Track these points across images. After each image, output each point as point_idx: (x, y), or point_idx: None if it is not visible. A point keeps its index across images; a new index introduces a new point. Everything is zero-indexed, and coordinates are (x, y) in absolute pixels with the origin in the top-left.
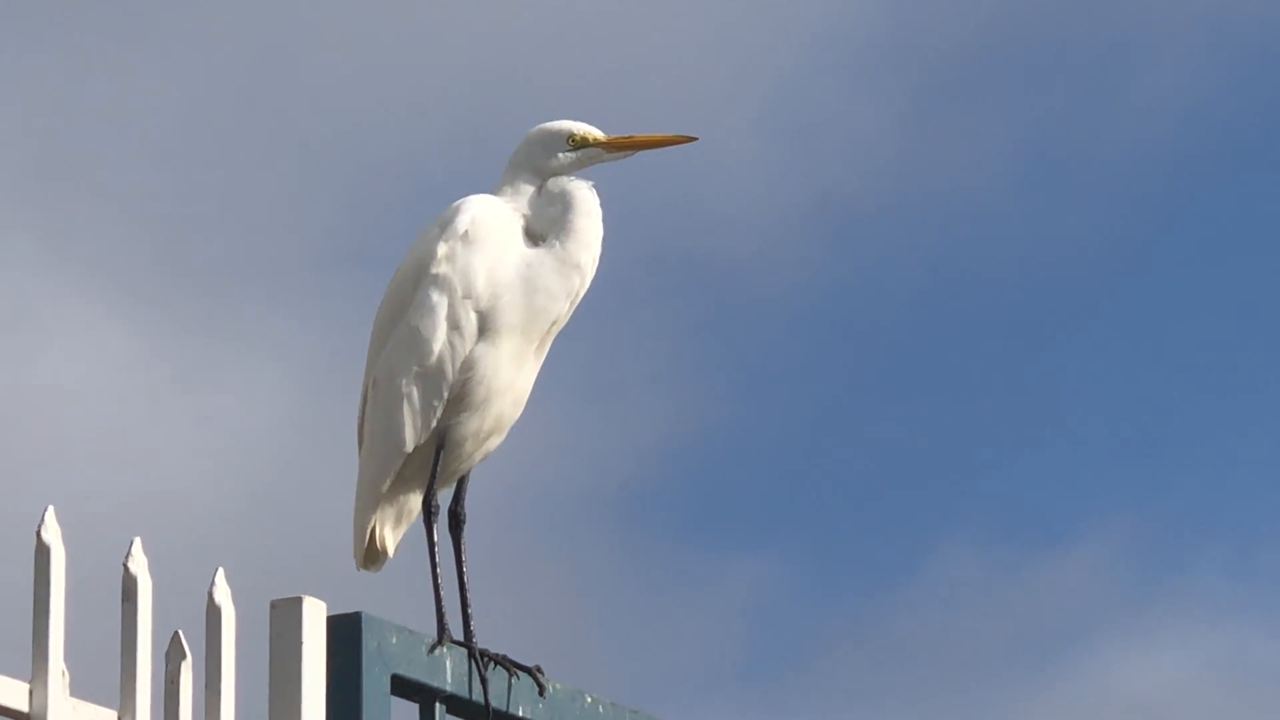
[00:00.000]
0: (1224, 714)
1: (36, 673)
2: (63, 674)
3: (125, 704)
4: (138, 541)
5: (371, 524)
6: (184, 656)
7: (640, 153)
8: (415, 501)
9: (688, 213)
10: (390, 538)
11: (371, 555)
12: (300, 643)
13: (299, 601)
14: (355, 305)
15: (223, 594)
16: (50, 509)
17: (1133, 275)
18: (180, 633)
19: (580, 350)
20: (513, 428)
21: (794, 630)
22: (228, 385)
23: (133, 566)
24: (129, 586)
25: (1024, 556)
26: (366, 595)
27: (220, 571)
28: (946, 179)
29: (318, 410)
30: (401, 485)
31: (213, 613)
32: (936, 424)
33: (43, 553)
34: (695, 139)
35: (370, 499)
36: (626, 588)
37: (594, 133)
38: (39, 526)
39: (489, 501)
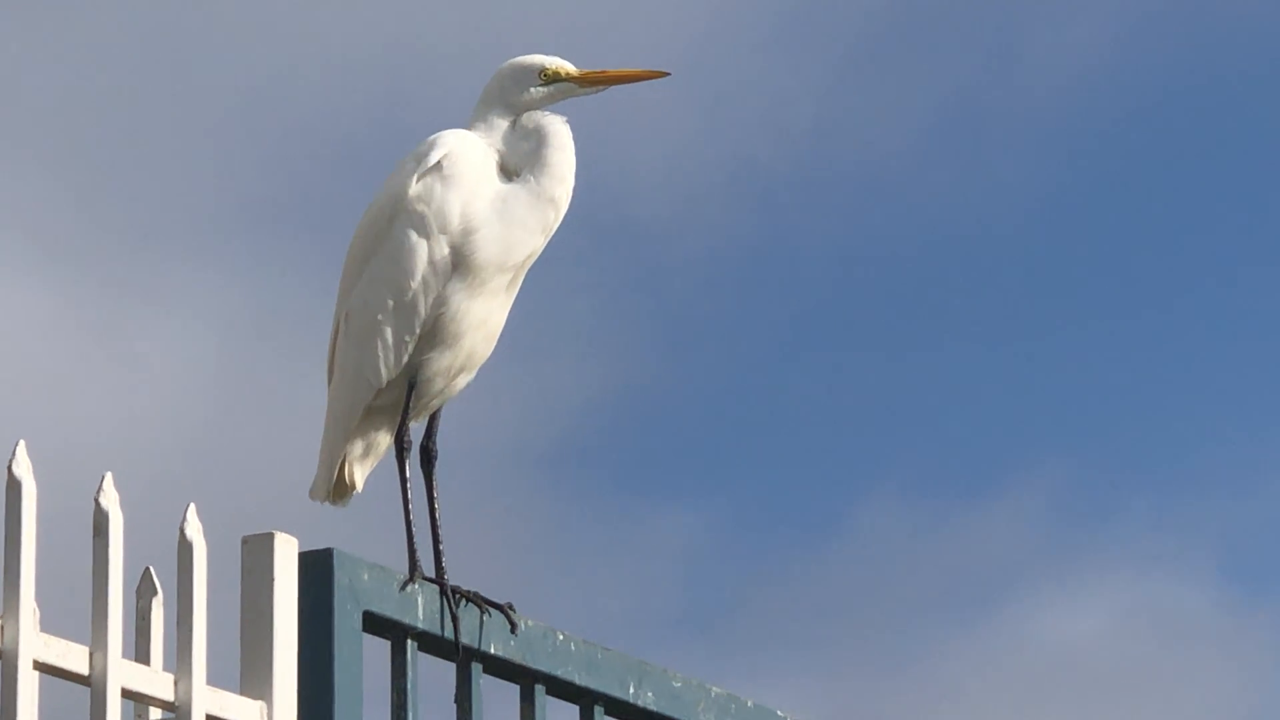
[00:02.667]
0: (1144, 662)
1: (8, 608)
2: (33, 610)
3: (96, 639)
4: (109, 476)
5: (340, 459)
6: (155, 592)
7: (612, 87)
8: (384, 437)
9: (613, 173)
10: (359, 473)
11: (339, 490)
12: (272, 579)
13: (270, 537)
14: (277, 263)
15: (194, 529)
16: (21, 443)
17: (1052, 230)
18: (151, 568)
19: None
20: (483, 365)
21: (726, 578)
22: (147, 339)
23: (104, 501)
24: (100, 522)
25: (951, 507)
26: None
27: (192, 507)
28: (864, 144)
29: (239, 366)
30: (371, 421)
31: (184, 548)
32: (863, 377)
33: (14, 488)
34: (668, 74)
35: (340, 433)
36: (560, 539)
37: (566, 67)
38: (10, 461)
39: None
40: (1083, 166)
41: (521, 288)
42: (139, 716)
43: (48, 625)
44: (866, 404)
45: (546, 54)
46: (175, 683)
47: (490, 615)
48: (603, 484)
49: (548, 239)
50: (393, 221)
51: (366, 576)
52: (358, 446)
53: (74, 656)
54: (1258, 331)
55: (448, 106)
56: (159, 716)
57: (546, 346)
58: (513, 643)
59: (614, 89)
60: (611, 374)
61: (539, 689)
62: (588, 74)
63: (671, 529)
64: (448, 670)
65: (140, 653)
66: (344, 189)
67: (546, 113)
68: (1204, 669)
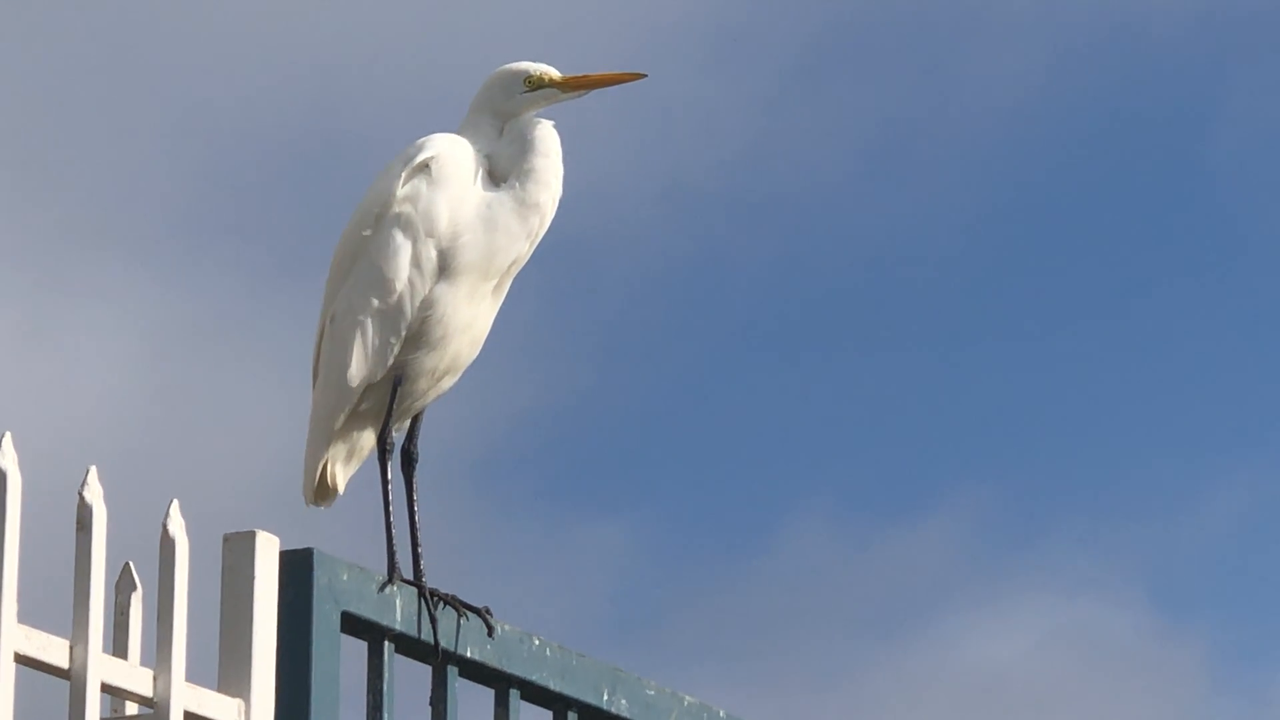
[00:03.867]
0: (1069, 684)
1: None
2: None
3: (77, 633)
4: (93, 471)
5: (323, 460)
6: (134, 588)
7: (594, 90)
8: (367, 439)
9: None
10: (341, 475)
11: (322, 492)
12: (253, 578)
13: (252, 535)
14: (213, 267)
15: (177, 525)
16: (7, 435)
17: (982, 253)
18: (130, 564)
19: None
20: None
21: (654, 591)
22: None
23: (88, 495)
24: (83, 516)
25: (879, 526)
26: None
27: (175, 503)
28: (799, 165)
29: (172, 369)
30: (354, 422)
31: (166, 544)
32: (794, 395)
33: None
34: (645, 75)
35: (323, 435)
36: (489, 548)
37: (550, 72)
38: None
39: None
40: (1014, 190)
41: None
42: (115, 711)
43: (24, 617)
44: (797, 421)
45: (532, 60)
46: (154, 678)
47: (468, 618)
48: (534, 494)
49: (534, 245)
50: (379, 223)
51: (346, 577)
52: (340, 449)
53: (54, 650)
54: (1186, 355)
55: (384, 117)
56: (135, 711)
57: (479, 357)
58: (489, 647)
59: (596, 92)
60: (544, 386)
61: (513, 694)
62: (569, 79)
63: (601, 541)
64: (423, 672)
65: (118, 647)
66: (280, 196)
67: (535, 118)
68: (1130, 693)
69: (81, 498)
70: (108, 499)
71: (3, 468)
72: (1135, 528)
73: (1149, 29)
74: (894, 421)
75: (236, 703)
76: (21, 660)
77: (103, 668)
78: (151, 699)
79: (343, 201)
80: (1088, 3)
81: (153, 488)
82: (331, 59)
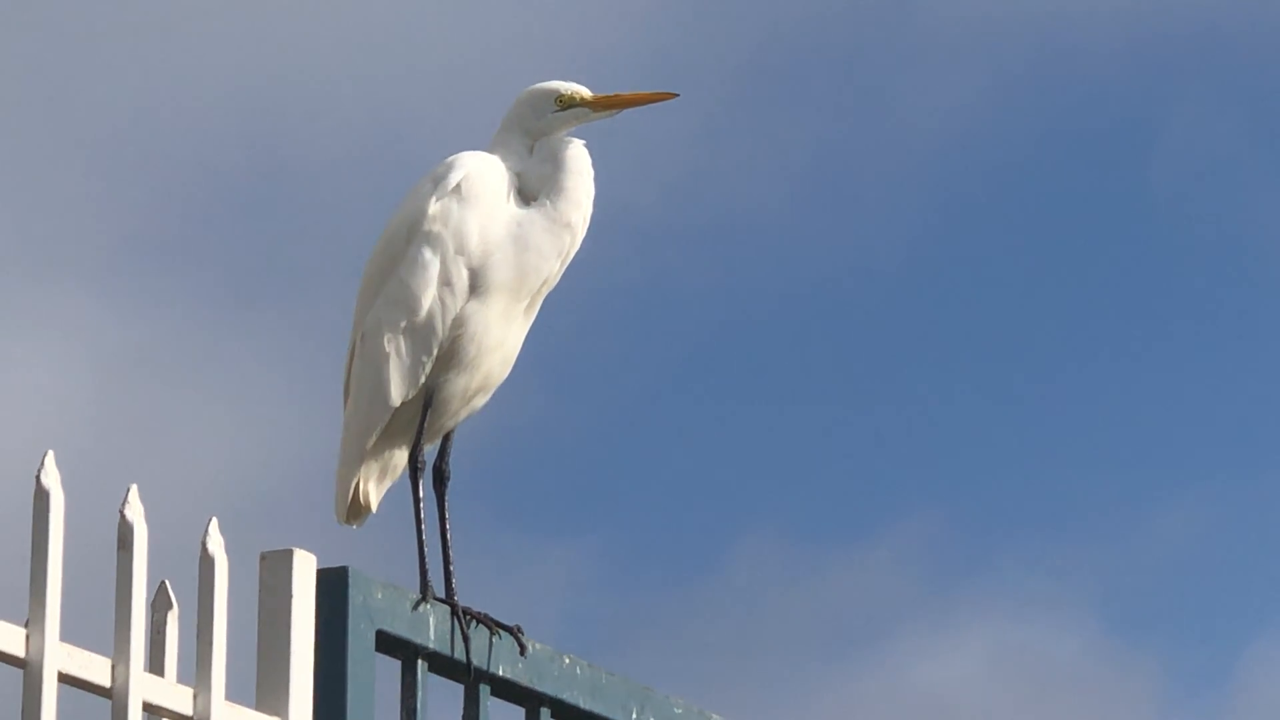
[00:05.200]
0: (1017, 706)
1: (34, 618)
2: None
3: (119, 651)
4: (134, 489)
5: (356, 479)
6: (170, 606)
7: (625, 110)
8: (399, 457)
9: None
10: (374, 493)
11: (354, 510)
12: (290, 596)
13: (290, 554)
14: (159, 295)
15: (216, 544)
16: (50, 454)
17: (923, 279)
18: (167, 582)
19: None
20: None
21: (604, 615)
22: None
23: (129, 514)
24: (124, 534)
25: (828, 552)
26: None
27: (214, 521)
28: (738, 192)
29: (123, 399)
30: (386, 441)
31: (206, 563)
32: (742, 421)
33: (41, 497)
34: (676, 95)
35: (355, 453)
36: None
37: (582, 92)
38: (39, 471)
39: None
40: (955, 214)
41: None
42: None
43: (66, 635)
44: (746, 447)
45: (564, 79)
46: (194, 697)
47: (500, 637)
48: (484, 519)
49: (565, 265)
50: (410, 242)
51: (380, 595)
52: (373, 467)
53: (96, 668)
54: (1131, 376)
55: (336, 145)
56: None
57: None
58: (520, 665)
59: (626, 112)
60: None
61: (544, 712)
62: (600, 98)
63: (553, 566)
64: (455, 691)
65: (154, 665)
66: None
67: (566, 138)
68: (1080, 716)
69: (123, 516)
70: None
71: (46, 486)
72: (1085, 549)
73: (1087, 52)
74: (843, 447)
75: None
76: (65, 679)
77: (144, 686)
78: (191, 717)
79: (294, 228)
80: (1025, 27)
81: (104, 511)
82: (285, 86)
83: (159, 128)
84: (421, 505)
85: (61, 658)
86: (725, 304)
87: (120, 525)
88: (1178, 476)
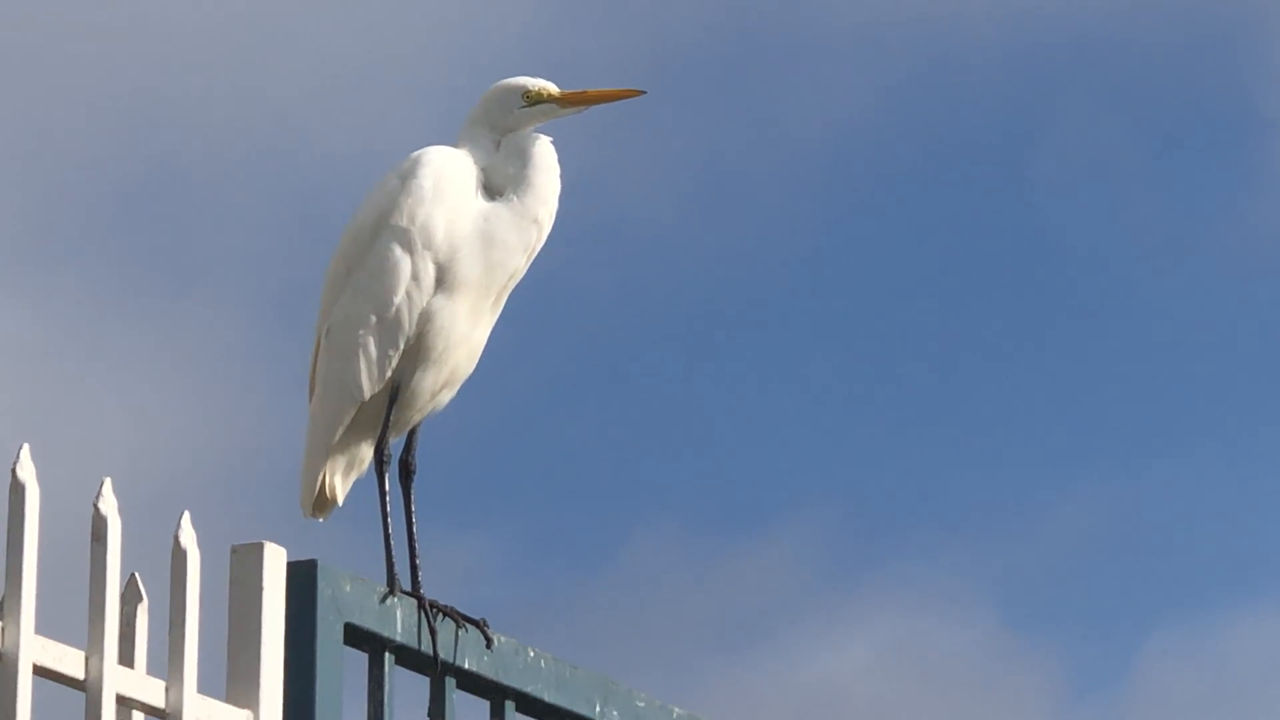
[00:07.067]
0: (906, 696)
1: (9, 612)
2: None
3: (93, 644)
4: (108, 482)
5: (322, 473)
6: (140, 599)
7: (592, 107)
8: (366, 451)
9: None
10: (340, 486)
11: (320, 504)
12: (261, 589)
13: (260, 547)
14: (66, 291)
15: (188, 538)
16: (25, 446)
17: (816, 278)
18: (137, 575)
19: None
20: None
21: (506, 604)
22: None
23: (103, 507)
24: (99, 527)
25: (724, 545)
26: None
27: (186, 515)
28: (629, 196)
29: (21, 391)
30: (352, 434)
31: (178, 556)
32: (638, 418)
33: (17, 491)
34: (643, 92)
35: (321, 447)
36: (343, 562)
37: (549, 88)
38: (14, 464)
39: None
40: (846, 216)
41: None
42: None
43: (41, 628)
44: (644, 441)
45: (531, 76)
46: (166, 690)
47: (466, 630)
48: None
49: (530, 259)
50: (376, 237)
51: (349, 588)
52: (339, 461)
53: (70, 661)
54: (1021, 372)
55: (232, 139)
56: None
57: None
58: (486, 658)
59: (595, 108)
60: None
61: (509, 705)
62: (568, 94)
63: (451, 557)
64: (422, 684)
65: (124, 658)
66: (125, 218)
67: (532, 133)
68: (975, 707)
69: (97, 509)
70: None
71: (21, 480)
72: (983, 544)
73: (970, 59)
74: (740, 440)
75: (245, 714)
76: (40, 672)
77: (118, 679)
78: (164, 710)
79: (191, 223)
80: (910, 33)
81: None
82: (179, 80)
83: (57, 125)
84: (388, 499)
85: (36, 650)
86: (623, 301)
87: (94, 518)
88: (1072, 472)
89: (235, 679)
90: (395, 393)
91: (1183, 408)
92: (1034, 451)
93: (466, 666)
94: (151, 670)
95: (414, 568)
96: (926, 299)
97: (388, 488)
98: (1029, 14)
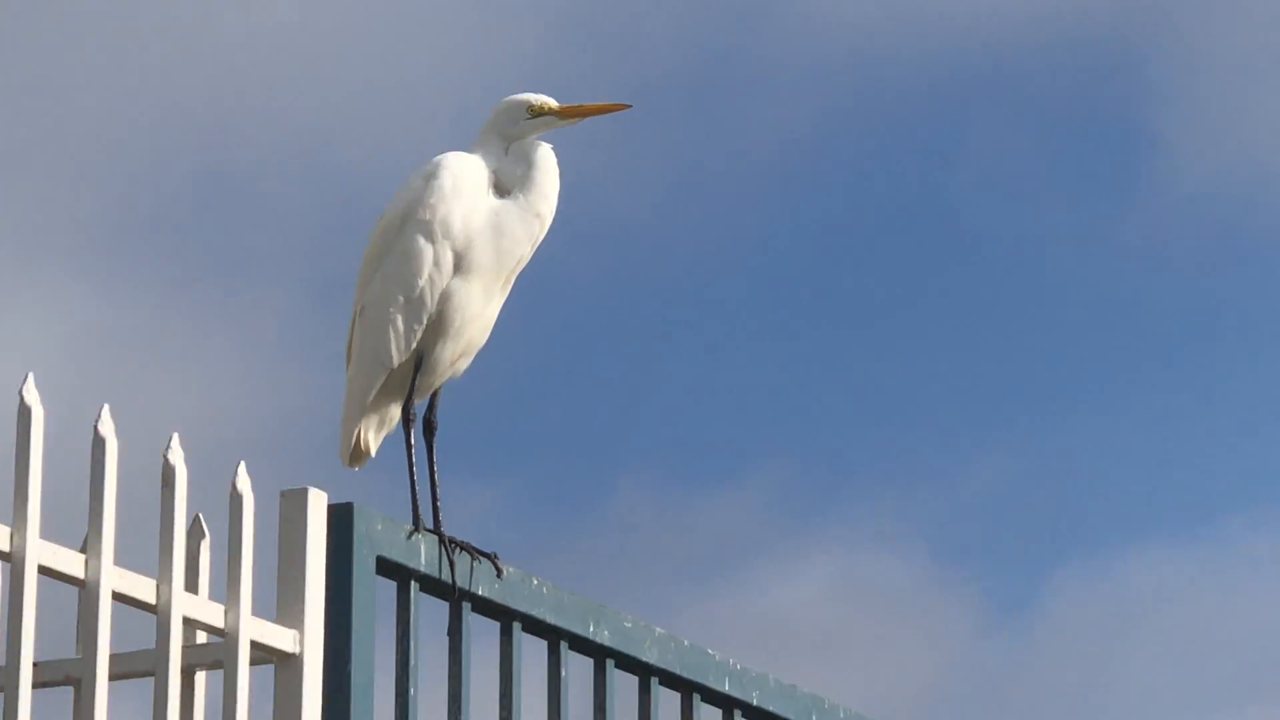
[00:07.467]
0: (849, 624)
1: (92, 545)
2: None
3: (163, 573)
4: (175, 436)
5: (357, 429)
6: (203, 536)
7: (587, 119)
8: (395, 411)
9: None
10: (373, 441)
11: (356, 455)
12: (305, 527)
13: (305, 492)
14: (133, 281)
15: (244, 484)
16: (105, 407)
17: (772, 270)
18: (200, 515)
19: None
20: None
21: (512, 541)
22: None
23: (171, 458)
24: (168, 475)
25: (696, 493)
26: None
27: (242, 464)
28: (613, 198)
29: (92, 375)
30: (383, 397)
31: (235, 499)
32: (623, 382)
33: (99, 444)
34: (630, 106)
35: (357, 408)
36: None
37: (550, 102)
38: (96, 422)
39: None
40: (799, 215)
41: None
42: (186, 640)
43: (121, 560)
44: (631, 404)
45: (534, 92)
46: (225, 612)
47: (480, 562)
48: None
49: (534, 248)
50: (403, 228)
51: (380, 526)
52: (372, 419)
53: (144, 588)
54: (948, 352)
55: (278, 146)
56: (205, 640)
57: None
58: (497, 585)
59: (589, 119)
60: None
61: (516, 626)
62: (566, 108)
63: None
64: (442, 608)
65: (189, 585)
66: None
67: (535, 141)
68: (907, 634)
69: (166, 460)
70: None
71: (102, 435)
72: (916, 492)
73: (898, 87)
74: (711, 404)
75: (293, 633)
76: (118, 598)
77: (184, 603)
78: (223, 629)
79: (242, 220)
80: (848, 65)
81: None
82: (232, 98)
83: (123, 137)
84: (413, 451)
85: (115, 579)
86: (612, 285)
87: (164, 467)
88: (990, 432)
89: (284, 603)
90: (420, 361)
91: (1083, 378)
92: (958, 415)
93: (480, 593)
94: (213, 596)
95: (435, 509)
96: (866, 287)
97: (413, 442)
98: (949, 49)
